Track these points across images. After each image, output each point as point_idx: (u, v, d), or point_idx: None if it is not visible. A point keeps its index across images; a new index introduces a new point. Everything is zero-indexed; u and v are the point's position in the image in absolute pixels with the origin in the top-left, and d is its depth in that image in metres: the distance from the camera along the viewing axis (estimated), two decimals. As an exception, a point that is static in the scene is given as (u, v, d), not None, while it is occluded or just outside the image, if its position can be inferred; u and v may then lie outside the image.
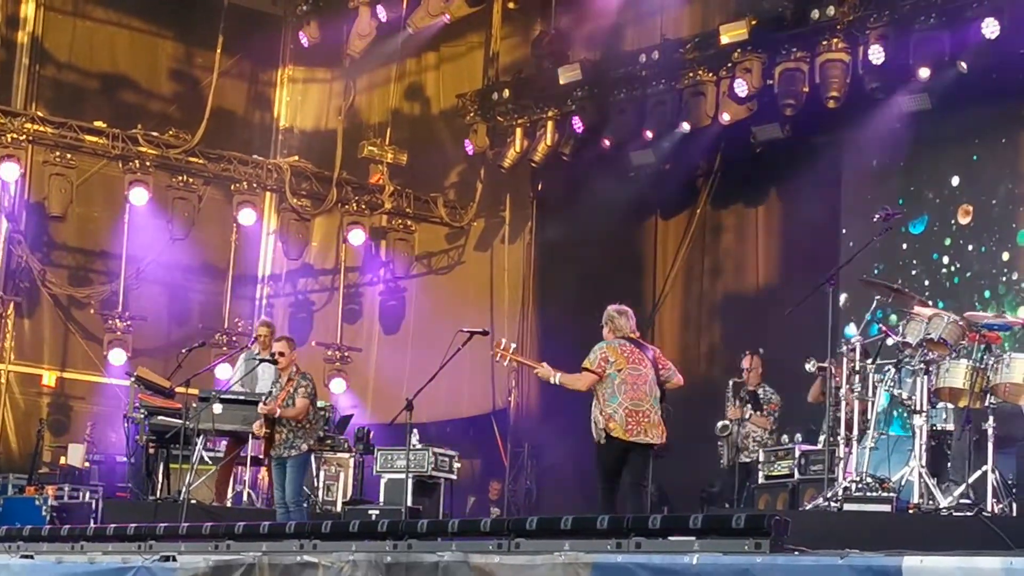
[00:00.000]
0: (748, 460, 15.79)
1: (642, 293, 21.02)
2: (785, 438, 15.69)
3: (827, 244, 18.34)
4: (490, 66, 22.66)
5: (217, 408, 15.53)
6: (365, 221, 23.36)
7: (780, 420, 16.15)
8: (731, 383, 16.26)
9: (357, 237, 23.28)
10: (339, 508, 16.94)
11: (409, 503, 16.18)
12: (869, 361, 12.73)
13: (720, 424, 16.10)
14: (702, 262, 20.53)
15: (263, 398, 14.65)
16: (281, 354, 14.40)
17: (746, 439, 15.93)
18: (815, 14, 17.82)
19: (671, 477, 17.40)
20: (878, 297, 13.02)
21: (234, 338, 22.78)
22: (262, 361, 15.94)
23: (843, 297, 16.86)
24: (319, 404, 16.23)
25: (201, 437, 15.83)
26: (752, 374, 16.16)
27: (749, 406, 16.03)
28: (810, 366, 13.74)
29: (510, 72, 22.28)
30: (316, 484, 16.81)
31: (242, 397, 15.90)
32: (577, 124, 20.68)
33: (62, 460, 19.87)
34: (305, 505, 14.83)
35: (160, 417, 16.33)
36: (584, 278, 20.71)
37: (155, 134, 22.37)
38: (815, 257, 18.28)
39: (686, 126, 19.45)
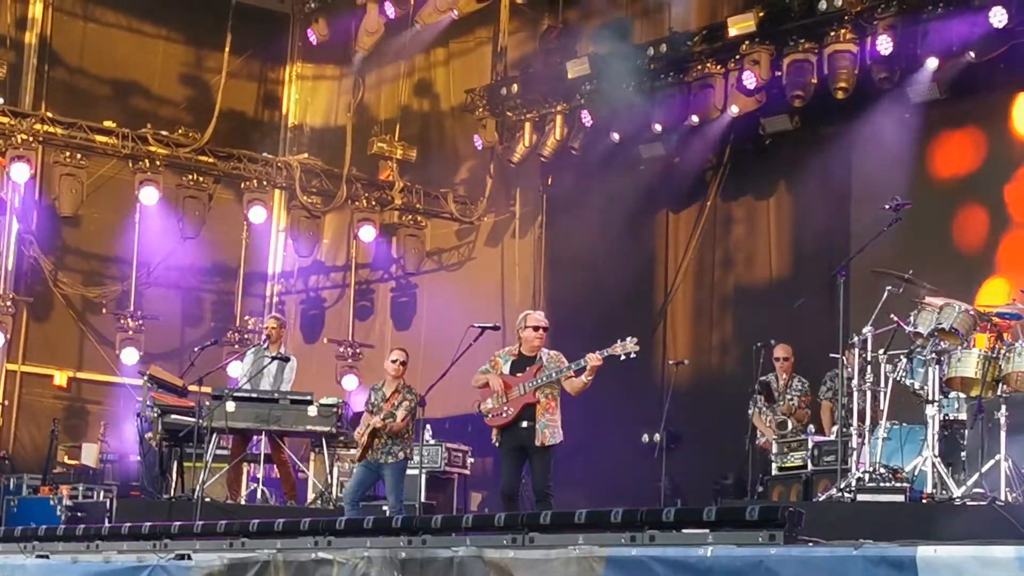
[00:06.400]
0: None
1: (653, 286, 21.04)
2: (798, 429, 15.69)
3: (838, 235, 18.33)
4: (498, 61, 22.66)
5: (230, 406, 15.56)
6: (375, 218, 23.37)
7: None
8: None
9: (368, 234, 23.30)
10: (353, 504, 16.94)
11: (423, 499, 16.20)
12: (881, 351, 12.74)
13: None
14: (713, 255, 20.51)
15: (369, 406, 14.67)
16: (404, 363, 14.48)
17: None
18: (823, 5, 17.79)
19: (684, 470, 17.43)
20: (889, 287, 13.00)
21: (246, 336, 22.82)
22: (274, 359, 15.99)
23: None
24: (332, 401, 16.30)
25: (215, 435, 15.86)
26: (788, 364, 16.11)
27: (761, 397, 16.01)
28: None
29: (518, 67, 22.28)
30: (329, 481, 16.82)
31: (255, 395, 15.93)
32: (586, 118, 20.68)
33: (67, 459, 19.94)
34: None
35: (173, 416, 16.33)
36: (595, 272, 20.71)
37: (165, 133, 22.40)
38: (826, 248, 18.28)
39: (695, 119, 19.42)
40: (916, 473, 12.06)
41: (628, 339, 12.47)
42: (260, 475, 17.02)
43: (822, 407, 15.89)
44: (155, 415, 16.29)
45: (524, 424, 12.62)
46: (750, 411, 16.14)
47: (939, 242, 17.45)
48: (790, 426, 15.78)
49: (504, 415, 12.68)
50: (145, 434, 16.57)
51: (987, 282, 17.19)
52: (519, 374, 12.73)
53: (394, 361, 14.60)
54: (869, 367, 12.77)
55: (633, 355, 12.48)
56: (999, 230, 17.33)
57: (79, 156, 21.66)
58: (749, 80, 18.58)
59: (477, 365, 13.03)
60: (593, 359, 12.43)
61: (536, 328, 12.86)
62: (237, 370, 17.92)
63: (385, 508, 14.55)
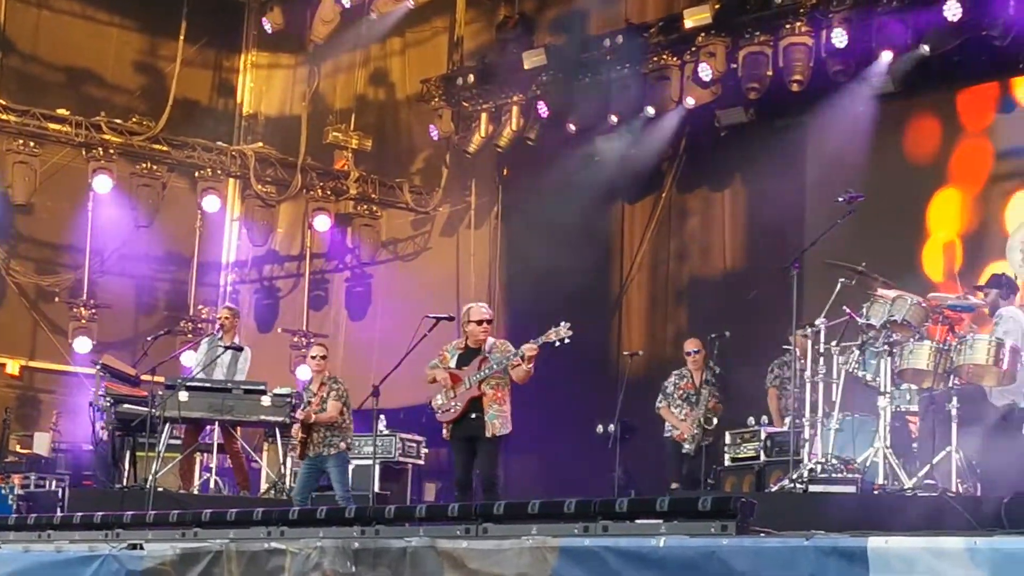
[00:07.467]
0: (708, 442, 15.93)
1: (609, 277, 21.04)
2: (751, 420, 15.74)
3: (792, 227, 18.35)
4: (455, 51, 22.64)
5: (183, 396, 15.51)
6: (330, 207, 23.32)
7: (747, 403, 16.21)
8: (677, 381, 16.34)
9: (322, 223, 23.24)
10: (307, 494, 16.92)
11: (376, 489, 16.19)
12: (833, 343, 12.80)
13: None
14: (668, 246, 20.52)
15: (301, 404, 14.88)
16: (324, 357, 15.06)
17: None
18: (778, -3, 17.89)
19: (637, 461, 17.45)
20: (842, 280, 13.05)
21: (199, 325, 22.75)
22: (227, 348, 15.99)
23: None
24: (285, 390, 16.26)
25: (167, 425, 15.80)
26: (699, 356, 16.24)
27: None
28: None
29: (475, 57, 22.24)
30: (283, 471, 16.78)
31: (208, 384, 15.88)
32: (542, 109, 20.67)
33: (19, 448, 19.83)
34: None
35: (126, 405, 16.28)
36: (550, 263, 20.66)
37: (118, 121, 22.31)
38: (780, 240, 18.31)
39: (651, 110, 19.46)
40: (868, 464, 12.11)
41: (562, 324, 12.45)
42: (213, 465, 16.98)
43: (769, 395, 15.93)
44: (108, 404, 16.23)
45: (473, 416, 12.61)
46: (658, 404, 16.28)
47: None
48: (715, 422, 15.90)
49: (452, 410, 12.66)
50: (97, 423, 16.51)
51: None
52: (465, 367, 12.72)
53: (314, 357, 14.99)
54: (822, 358, 12.83)
55: (567, 340, 12.44)
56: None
57: (32, 144, 21.54)
58: (705, 72, 18.60)
59: (432, 355, 13.01)
60: (528, 349, 12.43)
61: (480, 322, 12.78)
62: (191, 359, 17.87)
63: (338, 498, 14.58)
